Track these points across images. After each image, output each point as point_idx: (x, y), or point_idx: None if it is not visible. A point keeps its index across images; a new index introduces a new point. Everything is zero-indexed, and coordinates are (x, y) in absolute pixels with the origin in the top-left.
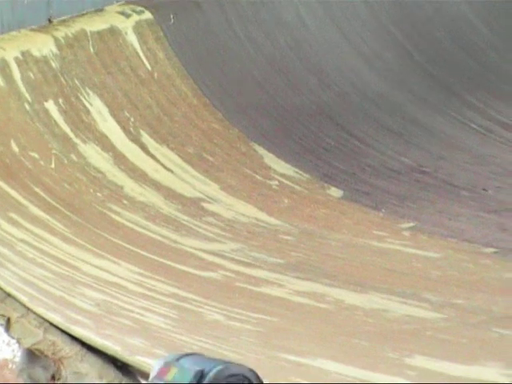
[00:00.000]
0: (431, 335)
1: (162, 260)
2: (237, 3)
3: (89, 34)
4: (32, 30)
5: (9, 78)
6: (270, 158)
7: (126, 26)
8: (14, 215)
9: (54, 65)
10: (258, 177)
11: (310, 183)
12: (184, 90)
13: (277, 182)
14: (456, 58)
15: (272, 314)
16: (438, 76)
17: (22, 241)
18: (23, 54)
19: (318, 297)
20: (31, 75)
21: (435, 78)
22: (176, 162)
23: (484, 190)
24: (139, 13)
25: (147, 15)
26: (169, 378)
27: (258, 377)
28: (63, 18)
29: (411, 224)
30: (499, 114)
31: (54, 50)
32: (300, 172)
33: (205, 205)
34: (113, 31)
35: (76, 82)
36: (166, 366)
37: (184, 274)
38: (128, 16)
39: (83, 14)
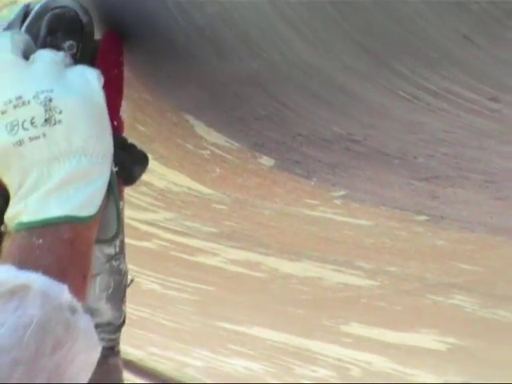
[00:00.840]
0: (366, 302)
1: None
2: None
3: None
4: None
5: None
6: (201, 128)
7: None
8: None
9: None
10: (189, 146)
11: (241, 152)
12: None
13: (208, 152)
14: (383, 26)
15: (208, 282)
16: (366, 44)
17: None
18: None
19: (252, 265)
20: None
21: (363, 47)
22: None
23: (415, 157)
24: None
25: None
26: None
27: (86, 11)
28: None
29: (342, 192)
30: (427, 81)
31: None
32: (231, 141)
33: None
34: None
35: None
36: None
37: None
38: None
39: None
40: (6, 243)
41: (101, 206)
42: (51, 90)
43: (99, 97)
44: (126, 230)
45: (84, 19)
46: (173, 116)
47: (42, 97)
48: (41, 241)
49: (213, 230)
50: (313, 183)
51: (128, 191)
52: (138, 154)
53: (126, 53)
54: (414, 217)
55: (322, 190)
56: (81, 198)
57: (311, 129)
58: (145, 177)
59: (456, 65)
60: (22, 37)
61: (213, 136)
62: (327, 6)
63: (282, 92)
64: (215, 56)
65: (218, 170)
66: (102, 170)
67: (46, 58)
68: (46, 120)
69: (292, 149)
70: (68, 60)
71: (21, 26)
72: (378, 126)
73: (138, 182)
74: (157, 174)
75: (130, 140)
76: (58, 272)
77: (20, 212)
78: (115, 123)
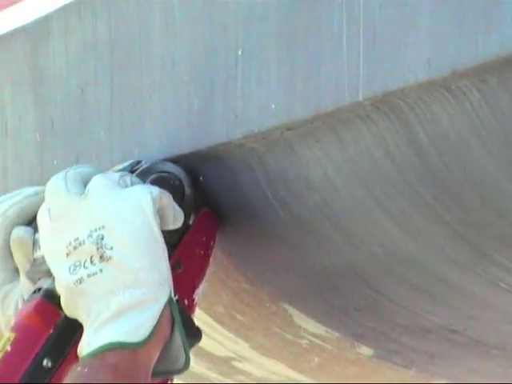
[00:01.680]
0: None
1: None
2: (265, 164)
3: None
4: None
5: None
6: (299, 317)
7: None
8: None
9: None
10: (288, 335)
11: (340, 342)
12: (214, 250)
13: (307, 341)
14: (485, 218)
15: None
16: (466, 236)
17: None
18: None
19: None
20: None
21: (464, 238)
22: (207, 321)
23: None
24: None
25: None
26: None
27: (192, 184)
28: None
29: (443, 382)
30: None
31: None
32: (330, 331)
33: (235, 363)
34: None
35: None
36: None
37: None
38: None
39: None
40: None
41: (153, 333)
42: (103, 227)
43: (152, 226)
44: None
45: (187, 191)
46: (272, 305)
47: (94, 235)
48: (86, 370)
49: None
50: (412, 372)
51: (226, 380)
52: (193, 331)
53: (225, 241)
54: None
55: (421, 379)
56: (129, 325)
57: (410, 319)
58: (242, 366)
59: None
60: (77, 170)
61: (311, 325)
62: (428, 198)
63: (382, 283)
64: (314, 246)
65: (316, 359)
66: (157, 297)
67: (98, 186)
68: (101, 257)
69: (391, 338)
70: (125, 181)
71: None
72: (477, 316)
73: (235, 371)
74: (255, 363)
75: (228, 329)
76: None
77: (81, 347)
78: (186, 302)
